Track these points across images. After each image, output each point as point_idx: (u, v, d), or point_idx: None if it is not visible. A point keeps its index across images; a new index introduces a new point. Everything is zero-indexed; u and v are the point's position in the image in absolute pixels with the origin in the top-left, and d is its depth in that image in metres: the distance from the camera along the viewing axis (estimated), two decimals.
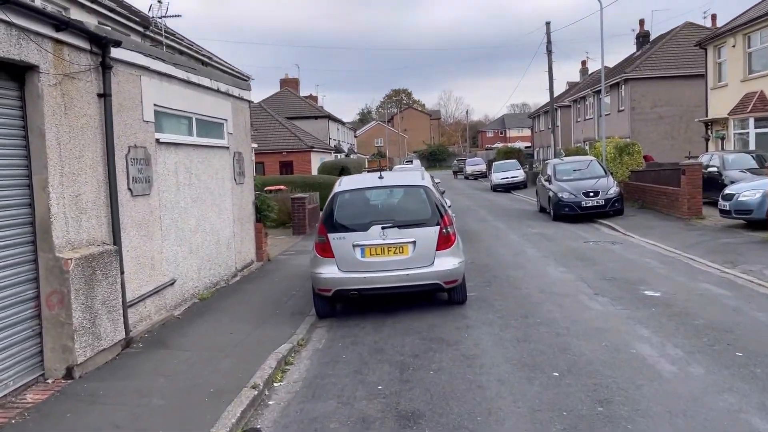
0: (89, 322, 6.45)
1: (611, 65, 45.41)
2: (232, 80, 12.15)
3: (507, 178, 37.14)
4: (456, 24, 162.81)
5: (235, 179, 11.72)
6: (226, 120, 11.41)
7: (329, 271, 8.47)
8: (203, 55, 25.45)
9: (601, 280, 10.29)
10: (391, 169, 43.58)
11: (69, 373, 6.22)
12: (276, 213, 14.04)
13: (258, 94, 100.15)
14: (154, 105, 8.52)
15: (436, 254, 8.44)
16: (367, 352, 7.24)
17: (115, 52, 7.35)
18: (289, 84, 63.30)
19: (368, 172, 41.35)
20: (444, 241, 8.50)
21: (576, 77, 60.95)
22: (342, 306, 9.31)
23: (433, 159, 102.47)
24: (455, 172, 64.07)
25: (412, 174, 10.16)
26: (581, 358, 6.52)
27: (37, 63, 6.01)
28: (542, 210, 21.92)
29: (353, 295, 8.57)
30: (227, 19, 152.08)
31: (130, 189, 7.76)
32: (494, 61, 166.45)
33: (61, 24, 6.17)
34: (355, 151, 79.94)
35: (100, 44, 6.95)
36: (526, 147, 70.71)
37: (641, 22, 42.35)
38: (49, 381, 6.19)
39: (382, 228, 8.38)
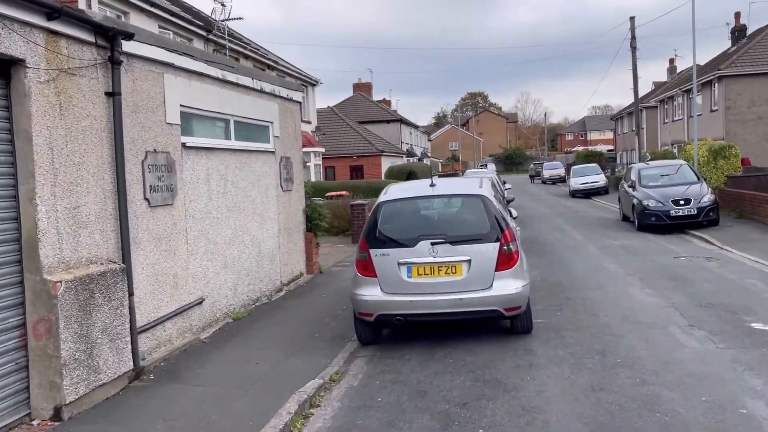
0: (84, 354, 5.62)
1: (702, 63, 42.20)
2: (279, 80, 11.29)
3: (586, 183, 34.92)
4: (534, 26, 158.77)
5: (281, 186, 10.83)
6: (271, 122, 10.54)
7: (371, 292, 7.37)
8: (269, 59, 25.03)
9: (696, 307, 8.69)
10: (463, 173, 42.18)
11: (57, 414, 5.40)
12: (327, 222, 13.06)
13: (332, 98, 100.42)
14: (181, 105, 7.69)
15: (495, 275, 7.18)
16: (407, 395, 6.08)
17: (129, 46, 6.54)
18: (362, 88, 62.93)
19: (440, 176, 39.94)
20: (505, 260, 7.23)
21: (662, 77, 57.36)
22: (389, 330, 8.19)
23: (509, 163, 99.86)
24: (532, 177, 61.70)
25: (468, 181, 8.90)
26: (675, 419, 5.11)
27: (22, 56, 5.23)
28: (625, 219, 20.02)
29: (398, 321, 7.44)
30: (307, 26, 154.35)
31: (147, 199, 6.94)
32: (574, 63, 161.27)
33: (54, 12, 5.37)
34: (429, 155, 78.78)
35: (108, 36, 6.14)
36: (609, 150, 67.32)
37: (737, 15, 39.02)
38: (35, 422, 5.39)
39: (432, 244, 7.21)
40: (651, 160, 25.30)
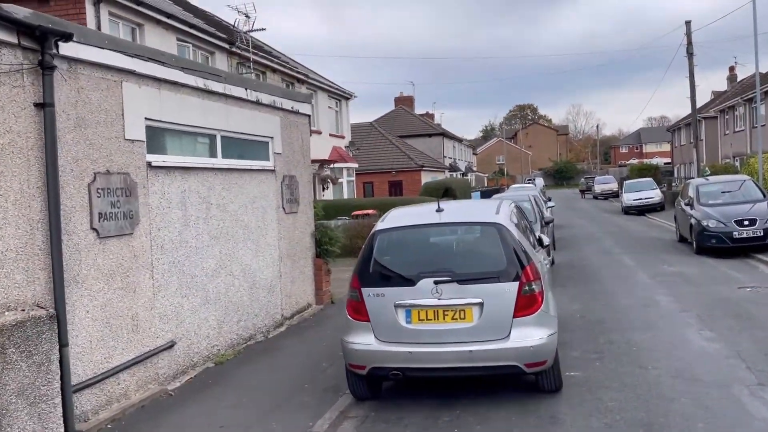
0: None
1: (764, 71, 39.53)
2: (282, 90, 10.24)
3: (640, 199, 32.75)
4: (586, 35, 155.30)
5: (283, 208, 9.72)
6: (271, 137, 9.46)
7: (363, 340, 6.10)
8: (299, 72, 24.21)
9: (767, 357, 7.10)
10: (508, 187, 40.54)
11: None
12: (340, 246, 11.87)
13: (376, 113, 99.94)
14: (146, 119, 6.66)
15: (513, 322, 5.83)
16: None
17: (72, 50, 5.55)
18: (403, 102, 62.02)
19: (482, 192, 38.01)
20: (526, 304, 5.86)
21: (722, 86, 54.32)
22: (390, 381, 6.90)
23: (559, 177, 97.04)
24: (582, 191, 59.24)
25: (483, 205, 7.54)
26: None
27: None
28: (682, 240, 18.18)
29: (395, 377, 6.15)
30: (353, 42, 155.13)
31: (95, 229, 5.90)
32: (628, 72, 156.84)
33: None
34: (474, 169, 77.00)
35: (35, 36, 5.15)
36: (666, 164, 64.33)
37: None
38: None
39: (436, 282, 5.91)
40: (710, 174, 23.30)
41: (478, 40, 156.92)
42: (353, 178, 29.57)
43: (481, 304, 5.85)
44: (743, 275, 12.59)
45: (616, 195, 47.08)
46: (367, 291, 6.12)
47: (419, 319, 5.95)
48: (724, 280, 12.16)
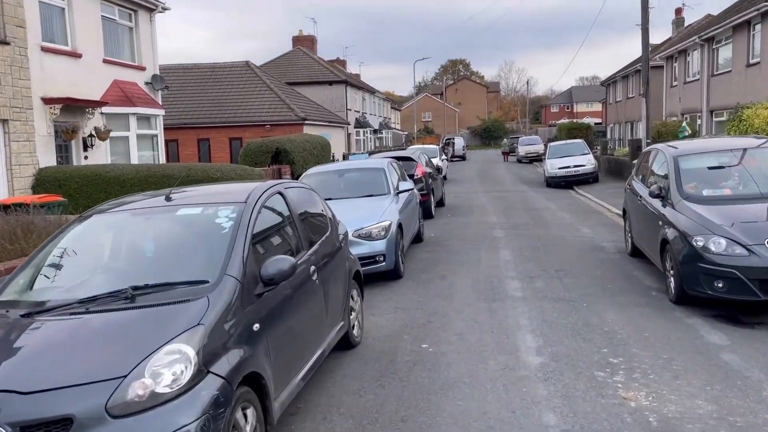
0: None
1: (716, 13, 31.86)
2: None
3: (568, 167, 24.49)
4: None
5: None
6: None
7: None
8: None
9: None
10: (405, 148, 31.54)
11: None
12: None
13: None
14: None
15: None
16: None
17: None
18: (303, 42, 51.63)
19: (392, 150, 28.52)
20: None
21: (665, 36, 46.75)
22: None
23: (487, 136, 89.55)
24: (505, 154, 51.17)
25: None
26: None
27: None
28: (636, 253, 9.75)
29: None
30: None
31: None
32: (566, 35, 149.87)
33: None
34: (392, 125, 67.80)
35: None
36: (596, 123, 57.01)
37: None
38: None
39: None
40: (689, 136, 14.78)
41: None
42: (157, 131, 19.67)
43: None
44: None
45: (541, 158, 39.25)
46: None
47: None
48: None
